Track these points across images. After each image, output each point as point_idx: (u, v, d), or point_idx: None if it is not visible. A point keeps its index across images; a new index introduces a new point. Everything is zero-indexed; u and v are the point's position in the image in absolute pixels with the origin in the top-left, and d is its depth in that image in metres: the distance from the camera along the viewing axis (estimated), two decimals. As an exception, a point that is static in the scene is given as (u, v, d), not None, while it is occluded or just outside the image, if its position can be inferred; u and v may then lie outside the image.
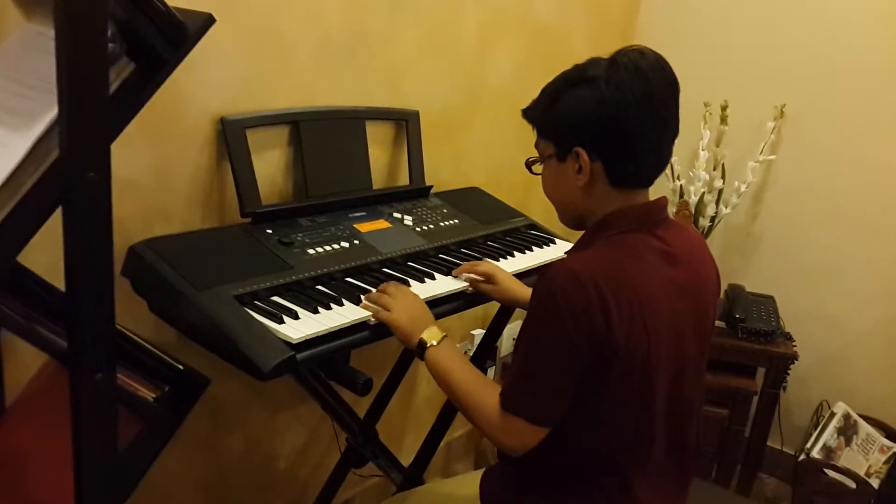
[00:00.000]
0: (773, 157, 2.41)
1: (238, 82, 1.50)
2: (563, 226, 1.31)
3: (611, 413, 1.18)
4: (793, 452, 2.49)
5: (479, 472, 1.42)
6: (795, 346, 2.24)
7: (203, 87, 1.43)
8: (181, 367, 1.18)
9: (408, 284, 1.46)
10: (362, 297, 1.37)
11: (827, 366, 2.42)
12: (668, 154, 1.19)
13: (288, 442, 1.87)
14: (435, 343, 1.31)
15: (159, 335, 1.42)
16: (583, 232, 1.27)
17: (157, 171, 1.41)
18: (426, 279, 1.51)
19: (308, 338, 1.22)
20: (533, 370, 1.17)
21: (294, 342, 1.20)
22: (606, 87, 1.12)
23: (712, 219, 2.39)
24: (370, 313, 1.33)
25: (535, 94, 1.23)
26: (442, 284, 1.51)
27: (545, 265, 1.18)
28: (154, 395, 1.15)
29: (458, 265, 1.58)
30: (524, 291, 1.56)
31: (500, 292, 1.56)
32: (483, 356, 2.00)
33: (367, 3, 1.69)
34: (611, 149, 1.16)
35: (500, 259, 1.69)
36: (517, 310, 1.74)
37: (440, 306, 1.46)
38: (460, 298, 1.52)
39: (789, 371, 2.22)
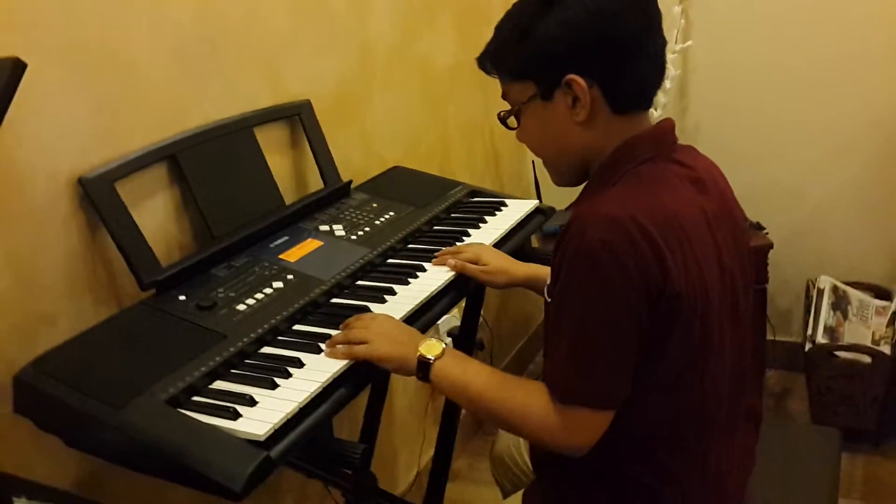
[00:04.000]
0: (689, 43, 2.24)
1: (83, 128, 1.17)
2: (557, 186, 1.12)
3: (674, 374, 0.99)
4: (786, 339, 2.40)
5: (517, 497, 1.21)
6: (767, 233, 2.11)
7: (42, 148, 1.11)
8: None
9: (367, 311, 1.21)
10: (323, 345, 1.11)
11: (797, 243, 2.31)
12: (664, 64, 1.02)
13: (275, 514, 1.61)
14: (437, 356, 1.07)
15: (87, 465, 1.13)
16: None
17: (18, 269, 1.09)
18: (386, 296, 1.26)
19: (277, 426, 0.96)
20: (586, 346, 0.96)
21: (261, 438, 0.94)
22: None
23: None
24: (344, 361, 1.07)
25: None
26: (406, 298, 1.26)
27: (565, 225, 0.97)
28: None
29: (411, 269, 1.34)
30: (522, 269, 1.37)
31: (494, 274, 1.35)
32: (466, 347, 1.78)
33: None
34: (609, 66, 0.97)
35: (457, 245, 1.44)
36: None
37: (414, 322, 1.22)
38: (434, 305, 1.28)
39: (768, 262, 2.10)
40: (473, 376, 1.07)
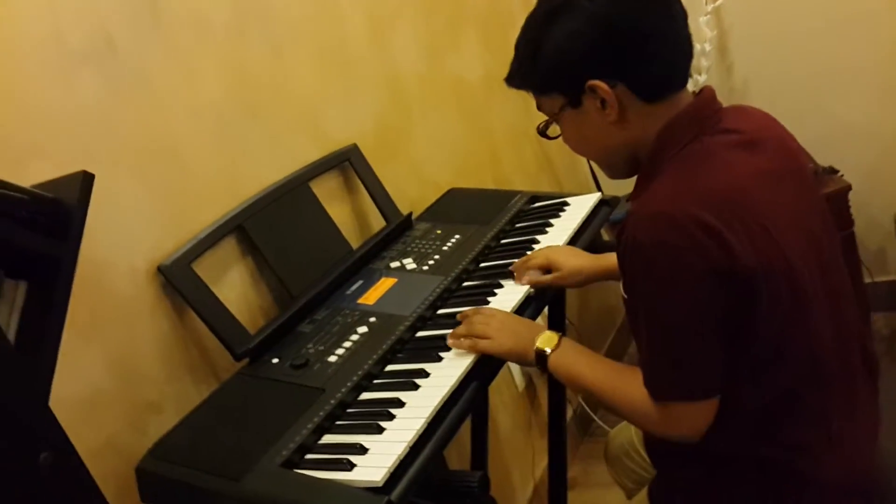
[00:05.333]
0: (720, 1, 2.18)
1: (152, 220, 1.22)
2: (612, 180, 1.13)
3: (776, 343, 0.96)
4: (886, 279, 2.29)
5: (642, 495, 1.19)
6: (843, 175, 2.03)
7: (118, 246, 1.15)
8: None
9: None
10: (449, 341, 1.16)
11: (878, 180, 2.22)
12: (688, 38, 0.99)
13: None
14: (552, 349, 1.12)
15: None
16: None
17: (118, 366, 1.13)
18: (469, 320, 1.26)
19: (393, 470, 0.96)
20: (665, 345, 0.96)
21: (380, 484, 0.94)
22: (591, 2, 0.94)
23: (694, 94, 2.15)
24: (443, 396, 1.07)
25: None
26: (491, 317, 1.26)
27: (621, 223, 0.98)
28: None
29: (488, 288, 1.34)
30: (596, 263, 1.35)
31: (570, 277, 1.34)
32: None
33: (246, 58, 1.41)
34: (627, 62, 0.96)
35: (527, 254, 1.43)
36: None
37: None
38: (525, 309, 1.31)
39: (850, 204, 2.02)
40: (584, 368, 1.11)
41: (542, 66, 1.01)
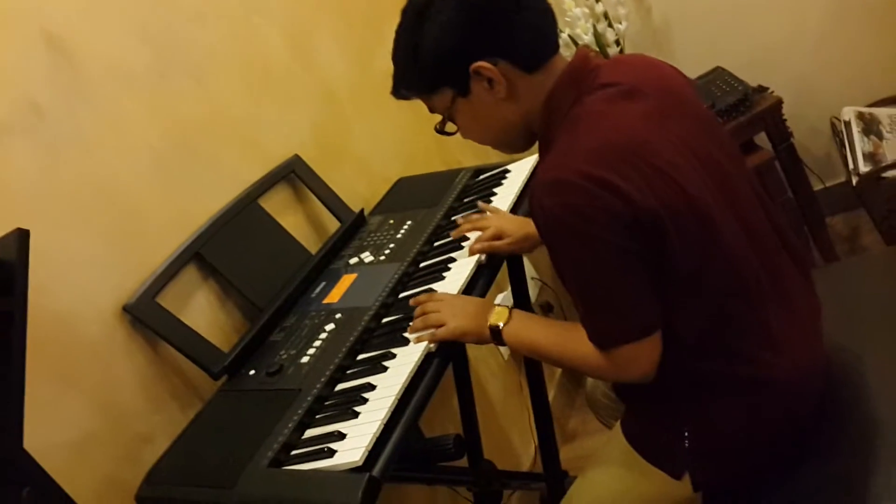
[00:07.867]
0: (623, -51, 2.24)
1: (108, 264, 1.26)
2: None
3: (696, 268, 1.01)
4: (836, 182, 2.36)
5: (616, 427, 1.25)
6: (773, 91, 2.09)
7: (80, 296, 1.20)
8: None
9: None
10: (408, 334, 1.21)
11: (809, 88, 2.28)
12: (546, 4, 1.06)
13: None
14: (504, 322, 1.17)
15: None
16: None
17: (103, 407, 1.19)
18: (429, 298, 1.32)
19: (370, 448, 1.02)
20: (595, 294, 1.02)
21: (359, 463, 1.01)
22: None
23: (618, 42, 2.21)
24: (409, 372, 1.13)
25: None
26: (449, 286, 1.32)
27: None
28: None
29: (443, 265, 1.40)
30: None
31: (519, 243, 1.39)
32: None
33: (171, 95, 1.46)
34: (500, 38, 1.02)
35: (475, 217, 1.49)
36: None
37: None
38: (475, 286, 1.35)
39: (785, 117, 2.08)
40: (536, 335, 1.17)
41: (424, 65, 1.06)
